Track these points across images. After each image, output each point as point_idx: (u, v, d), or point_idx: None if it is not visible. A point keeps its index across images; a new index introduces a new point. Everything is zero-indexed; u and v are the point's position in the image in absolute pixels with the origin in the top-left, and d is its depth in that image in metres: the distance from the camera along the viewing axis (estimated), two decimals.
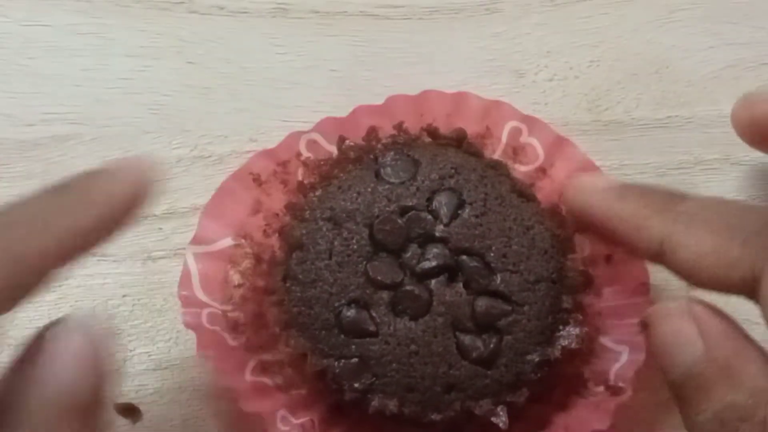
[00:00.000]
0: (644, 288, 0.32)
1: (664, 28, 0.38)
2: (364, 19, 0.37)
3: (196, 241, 0.32)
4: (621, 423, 0.32)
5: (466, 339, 0.30)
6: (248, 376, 0.31)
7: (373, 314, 0.30)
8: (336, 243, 0.30)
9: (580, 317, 0.31)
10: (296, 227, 0.31)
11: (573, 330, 0.31)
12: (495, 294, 0.30)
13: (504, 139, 0.34)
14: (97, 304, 0.34)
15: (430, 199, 0.31)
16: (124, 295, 0.34)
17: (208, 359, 0.31)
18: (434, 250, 0.30)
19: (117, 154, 0.36)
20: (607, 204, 0.26)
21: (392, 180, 0.31)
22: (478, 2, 0.38)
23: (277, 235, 0.32)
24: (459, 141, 0.32)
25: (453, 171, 0.31)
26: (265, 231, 0.33)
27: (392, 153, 0.32)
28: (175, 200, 0.35)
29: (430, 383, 0.29)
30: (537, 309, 0.30)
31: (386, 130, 0.33)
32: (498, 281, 0.30)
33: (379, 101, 0.34)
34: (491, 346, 0.30)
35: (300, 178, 0.33)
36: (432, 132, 0.33)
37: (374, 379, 0.30)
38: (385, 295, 0.30)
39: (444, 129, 0.33)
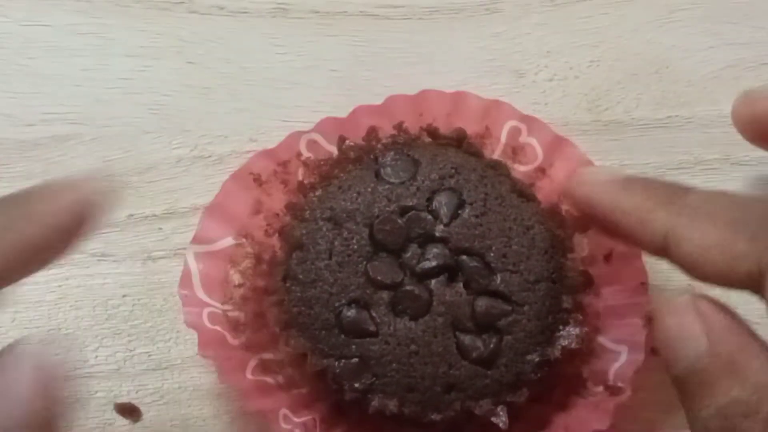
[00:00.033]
0: (643, 288, 0.32)
1: (664, 28, 0.38)
2: (364, 19, 0.37)
3: (196, 240, 0.32)
4: (621, 423, 0.32)
5: (466, 339, 0.30)
6: (249, 376, 0.31)
7: (373, 314, 0.30)
8: (336, 243, 0.30)
9: (580, 317, 0.31)
10: (296, 227, 0.31)
11: (573, 330, 0.31)
12: (495, 294, 0.30)
13: (503, 138, 0.34)
14: (97, 304, 0.34)
15: (430, 199, 0.31)
16: (124, 295, 0.34)
17: (209, 358, 0.31)
18: (434, 250, 0.30)
19: (117, 154, 0.36)
20: (610, 196, 0.26)
21: (392, 180, 0.31)
22: (478, 2, 0.38)
23: (277, 235, 0.32)
24: (459, 141, 0.33)
25: (453, 171, 0.31)
26: (266, 231, 0.33)
27: (392, 153, 0.32)
28: (175, 200, 0.35)
29: (430, 383, 0.29)
30: (537, 309, 0.30)
31: (386, 130, 0.33)
32: (498, 281, 0.30)
33: (379, 101, 0.34)
34: (491, 346, 0.30)
35: (300, 178, 0.33)
36: (432, 132, 0.33)
37: (374, 379, 0.30)
38: (385, 295, 0.30)
39: (443, 129, 0.33)
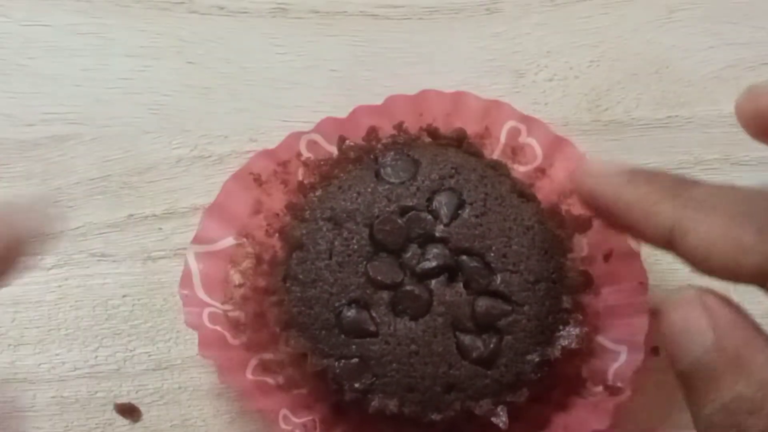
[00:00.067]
0: (642, 287, 0.32)
1: (664, 28, 0.38)
2: (364, 19, 0.37)
3: (197, 240, 0.32)
4: (621, 423, 0.32)
5: (466, 339, 0.30)
6: (249, 376, 0.31)
7: (374, 314, 0.30)
8: (336, 243, 0.30)
9: (580, 317, 0.31)
10: (296, 227, 0.31)
11: (573, 330, 0.31)
12: (495, 294, 0.30)
13: (503, 139, 0.34)
14: (97, 304, 0.34)
15: (430, 199, 0.31)
16: (124, 295, 0.34)
17: (209, 358, 0.31)
18: (434, 250, 0.30)
19: (117, 154, 0.36)
20: (615, 189, 0.26)
21: (392, 180, 0.31)
22: (478, 2, 0.38)
23: (277, 235, 0.32)
24: (459, 141, 0.33)
25: (453, 171, 0.31)
26: (266, 231, 0.33)
27: (392, 153, 0.32)
28: (175, 200, 0.35)
29: (430, 383, 0.29)
30: (537, 309, 0.30)
31: (386, 130, 0.33)
32: (498, 281, 0.30)
33: (379, 101, 0.34)
34: (491, 346, 0.30)
35: (300, 178, 0.33)
36: (432, 132, 0.33)
37: (374, 379, 0.30)
38: (385, 295, 0.30)
39: (443, 129, 0.33)
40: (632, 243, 0.32)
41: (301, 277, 0.30)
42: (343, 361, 0.30)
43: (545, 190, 0.33)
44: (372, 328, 0.30)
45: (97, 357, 0.34)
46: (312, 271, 0.30)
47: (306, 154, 0.33)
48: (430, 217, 0.30)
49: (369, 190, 0.31)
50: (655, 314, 0.24)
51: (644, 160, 0.36)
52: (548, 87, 0.37)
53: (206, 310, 0.32)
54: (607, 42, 0.37)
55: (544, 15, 0.38)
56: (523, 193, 0.32)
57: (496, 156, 0.34)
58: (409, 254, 0.30)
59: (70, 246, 0.35)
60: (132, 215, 0.35)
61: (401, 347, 0.30)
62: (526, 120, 0.34)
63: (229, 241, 0.33)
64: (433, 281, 0.30)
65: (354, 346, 0.30)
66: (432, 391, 0.30)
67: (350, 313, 0.30)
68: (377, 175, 0.31)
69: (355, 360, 0.30)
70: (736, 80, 0.37)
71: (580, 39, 0.37)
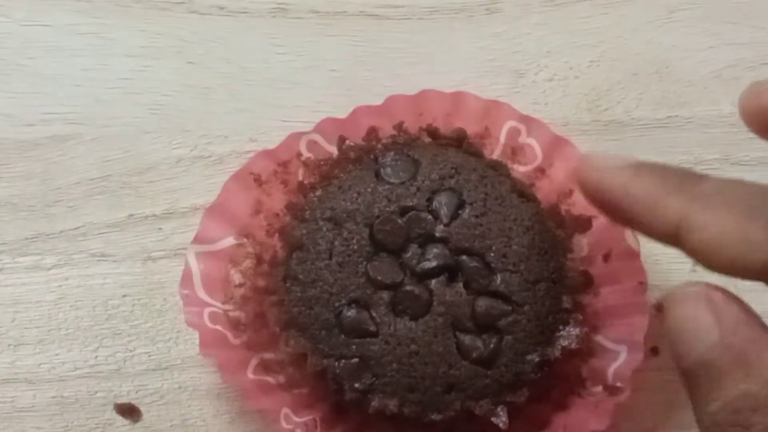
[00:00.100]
0: (642, 287, 0.32)
1: (664, 28, 0.38)
2: (364, 19, 0.37)
3: (197, 240, 0.32)
4: (621, 423, 0.32)
5: (466, 339, 0.30)
6: (250, 375, 0.31)
7: (374, 314, 0.30)
8: (336, 243, 0.30)
9: (580, 317, 0.31)
10: (296, 227, 0.31)
11: (573, 330, 0.31)
12: (495, 294, 0.30)
13: (502, 139, 0.34)
14: (97, 304, 0.34)
15: (430, 199, 0.31)
16: (124, 295, 0.34)
17: (210, 358, 0.31)
18: (434, 250, 0.30)
19: (117, 154, 0.36)
20: (621, 182, 0.25)
21: (392, 180, 0.31)
22: (478, 2, 0.37)
23: (277, 235, 0.32)
24: (459, 141, 0.33)
25: (453, 171, 0.31)
26: (267, 231, 0.33)
27: (392, 153, 0.32)
28: (175, 200, 0.35)
29: (430, 383, 0.29)
30: (537, 309, 0.30)
31: (386, 130, 0.33)
32: (498, 281, 0.30)
33: (379, 101, 0.34)
34: (491, 346, 0.30)
35: (300, 178, 0.33)
36: (432, 132, 0.33)
37: (374, 379, 0.30)
38: (385, 295, 0.30)
39: (443, 129, 0.33)
40: (632, 243, 0.32)
41: (301, 277, 0.30)
42: (343, 361, 0.30)
43: (545, 190, 0.33)
44: (372, 328, 0.30)
45: (97, 357, 0.34)
46: (312, 271, 0.30)
47: (306, 154, 0.33)
48: (430, 217, 0.30)
49: (369, 190, 0.31)
50: (659, 310, 0.23)
51: None
52: (548, 87, 0.37)
53: (207, 310, 0.32)
54: (607, 42, 0.37)
55: (544, 15, 0.38)
56: (523, 193, 0.32)
57: (495, 156, 0.34)
58: (409, 254, 0.30)
59: (70, 246, 0.35)
60: (132, 215, 0.35)
61: (401, 347, 0.30)
62: (526, 120, 0.34)
63: (229, 241, 0.33)
64: (433, 281, 0.30)
65: (354, 346, 0.30)
66: (432, 391, 0.30)
67: (350, 313, 0.30)
68: (377, 175, 0.31)
69: (355, 360, 0.30)
70: (736, 80, 0.37)
71: (580, 39, 0.37)
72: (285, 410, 0.30)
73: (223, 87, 0.36)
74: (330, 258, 0.30)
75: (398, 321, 0.30)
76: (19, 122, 0.36)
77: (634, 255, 0.32)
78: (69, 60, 0.36)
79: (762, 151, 0.36)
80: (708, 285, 0.22)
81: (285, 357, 0.31)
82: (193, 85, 0.36)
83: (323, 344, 0.30)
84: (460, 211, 0.31)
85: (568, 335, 0.31)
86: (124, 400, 0.33)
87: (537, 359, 0.30)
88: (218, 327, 0.31)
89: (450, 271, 0.30)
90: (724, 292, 0.22)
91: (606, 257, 0.33)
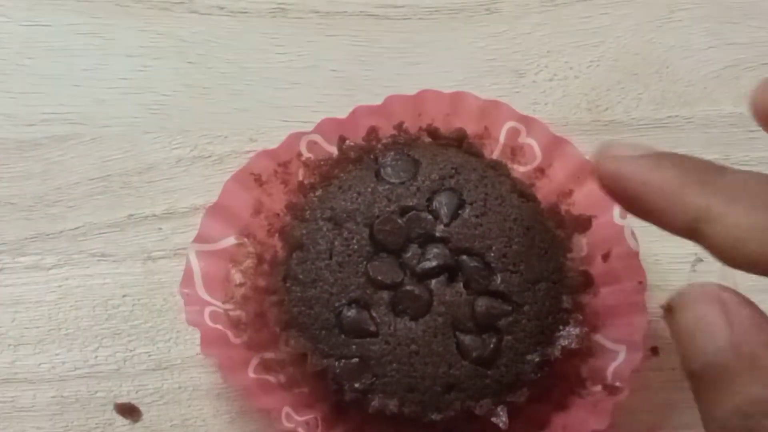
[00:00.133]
0: (641, 287, 0.32)
1: (664, 28, 0.38)
2: (364, 19, 0.37)
3: (198, 239, 0.32)
4: (621, 423, 0.32)
5: (466, 339, 0.30)
6: (251, 374, 0.31)
7: (374, 314, 0.30)
8: (336, 243, 0.30)
9: (580, 317, 0.31)
10: (297, 227, 0.31)
11: (573, 330, 0.31)
12: (495, 294, 0.30)
13: (502, 139, 0.34)
14: (97, 304, 0.34)
15: (430, 199, 0.31)
16: (124, 295, 0.34)
17: (211, 356, 0.31)
18: (434, 250, 0.30)
19: (117, 154, 0.36)
20: (640, 172, 0.24)
21: (392, 180, 0.31)
22: (478, 2, 0.38)
23: (277, 235, 0.32)
24: (459, 141, 0.33)
25: (453, 171, 0.31)
26: (268, 231, 0.33)
27: (392, 153, 0.32)
28: (175, 200, 0.35)
29: (430, 383, 0.29)
30: (537, 309, 0.30)
31: (386, 130, 0.33)
32: (498, 281, 0.30)
33: (379, 101, 0.34)
34: (491, 346, 0.30)
35: (300, 178, 0.33)
36: (432, 132, 0.33)
37: (374, 379, 0.30)
38: (385, 295, 0.30)
39: (442, 129, 0.33)
40: (631, 242, 0.32)
41: (301, 277, 0.30)
42: (343, 361, 0.30)
43: (545, 190, 0.33)
44: (372, 328, 0.30)
45: (97, 357, 0.34)
46: (312, 271, 0.30)
47: (306, 154, 0.33)
48: (430, 217, 0.30)
49: (369, 190, 0.31)
50: (668, 310, 0.23)
51: None
52: (548, 87, 0.37)
53: (207, 309, 0.32)
54: (607, 42, 0.37)
55: (544, 15, 0.38)
56: (523, 193, 0.32)
57: (495, 156, 0.34)
58: (409, 254, 0.30)
59: (70, 246, 0.35)
60: (132, 215, 0.35)
61: (401, 347, 0.30)
62: (525, 120, 0.34)
63: (230, 240, 0.33)
64: (433, 281, 0.30)
65: (354, 346, 0.30)
66: (432, 391, 0.30)
67: (350, 313, 0.30)
68: (377, 175, 0.31)
69: (355, 360, 0.30)
70: (736, 80, 0.37)
71: (580, 39, 0.37)
72: (286, 409, 0.30)
73: (223, 87, 0.36)
74: (330, 258, 0.30)
75: (398, 321, 0.30)
76: (19, 122, 0.36)
77: (633, 255, 0.32)
78: (69, 60, 0.36)
79: (762, 151, 0.36)
80: (720, 286, 0.22)
81: (285, 356, 0.31)
82: (193, 85, 0.36)
83: (323, 344, 0.30)
84: (460, 211, 0.31)
85: (568, 335, 0.31)
86: (124, 400, 0.33)
87: (537, 359, 0.30)
88: (219, 326, 0.31)
89: (450, 271, 0.30)
90: (736, 294, 0.22)
91: (605, 257, 0.33)
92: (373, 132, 0.33)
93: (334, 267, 0.30)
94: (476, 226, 0.30)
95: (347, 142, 0.33)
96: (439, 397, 0.29)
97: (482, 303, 0.30)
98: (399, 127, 0.33)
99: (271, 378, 0.31)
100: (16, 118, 0.36)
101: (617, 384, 0.31)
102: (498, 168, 0.32)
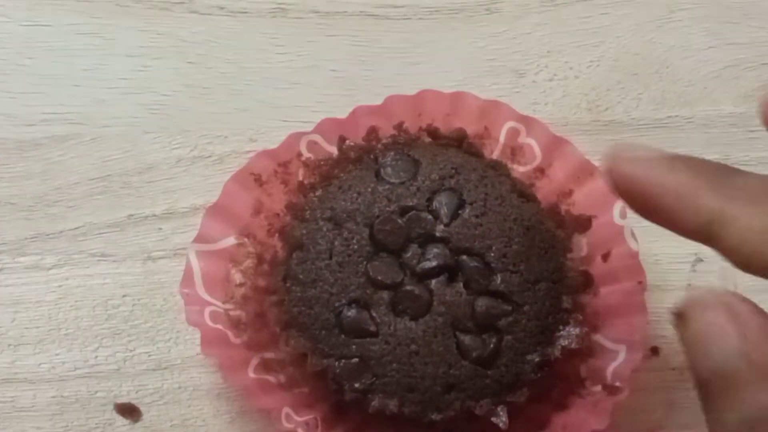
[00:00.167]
0: (641, 287, 0.32)
1: (664, 28, 0.38)
2: (364, 19, 0.37)
3: (198, 239, 0.32)
4: (621, 423, 0.32)
5: (466, 339, 0.30)
6: (251, 374, 0.31)
7: (374, 314, 0.30)
8: (336, 243, 0.30)
9: (580, 317, 0.31)
10: (297, 227, 0.31)
11: (573, 330, 0.31)
12: (495, 294, 0.30)
13: (502, 139, 0.34)
14: (97, 304, 0.34)
15: (430, 199, 0.31)
16: (124, 295, 0.34)
17: (212, 356, 0.31)
18: (434, 250, 0.30)
19: (117, 154, 0.36)
20: (654, 174, 0.24)
21: (392, 180, 0.31)
22: (478, 2, 0.38)
23: (277, 235, 0.32)
24: (459, 141, 0.33)
25: (453, 171, 0.31)
26: (268, 231, 0.33)
27: (392, 153, 0.32)
28: (175, 200, 0.35)
29: (430, 383, 0.29)
30: (537, 309, 0.30)
31: (385, 130, 0.33)
32: (498, 281, 0.30)
33: (379, 101, 0.34)
34: (491, 346, 0.30)
35: (300, 178, 0.33)
36: (432, 132, 0.33)
37: (374, 379, 0.30)
38: (385, 295, 0.30)
39: (442, 129, 0.33)
40: (631, 242, 0.32)
41: (301, 277, 0.30)
42: (343, 361, 0.30)
43: (544, 190, 0.33)
44: (372, 328, 0.30)
45: (97, 357, 0.34)
46: (312, 271, 0.30)
47: (306, 154, 0.33)
48: (430, 217, 0.30)
49: (369, 190, 0.31)
50: (679, 317, 0.22)
51: None
52: (548, 87, 0.37)
53: (207, 309, 0.32)
54: (607, 42, 0.37)
55: (544, 15, 0.38)
56: (523, 193, 0.32)
57: (495, 156, 0.34)
58: (409, 254, 0.30)
59: (70, 246, 0.35)
60: (132, 215, 0.35)
61: (401, 347, 0.30)
62: (525, 120, 0.34)
63: (230, 240, 0.33)
64: (433, 281, 0.30)
65: (354, 346, 0.30)
66: (432, 391, 0.30)
67: (350, 313, 0.30)
68: (377, 175, 0.31)
69: (355, 360, 0.30)
70: (736, 80, 0.37)
71: (580, 39, 0.37)
72: (286, 409, 0.30)
73: (223, 87, 0.36)
74: (330, 258, 0.30)
75: (398, 321, 0.30)
76: (19, 122, 0.36)
77: (633, 255, 0.32)
78: (69, 60, 0.36)
79: (762, 151, 0.36)
80: (732, 293, 0.22)
81: (285, 356, 0.31)
82: (193, 85, 0.36)
83: (323, 344, 0.30)
84: (460, 211, 0.31)
85: (568, 335, 0.31)
86: (124, 400, 0.33)
87: (537, 359, 0.30)
88: (219, 326, 0.31)
89: (450, 271, 0.30)
90: (747, 301, 0.21)
91: (605, 257, 0.33)
92: (373, 132, 0.33)
93: (334, 267, 0.30)
94: (476, 226, 0.30)
95: (347, 142, 0.33)
96: (439, 397, 0.29)
97: (482, 303, 0.30)
98: (399, 127, 0.33)
99: (271, 378, 0.31)
100: (16, 118, 0.36)
101: (617, 384, 0.31)
102: (498, 168, 0.32)
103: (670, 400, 0.34)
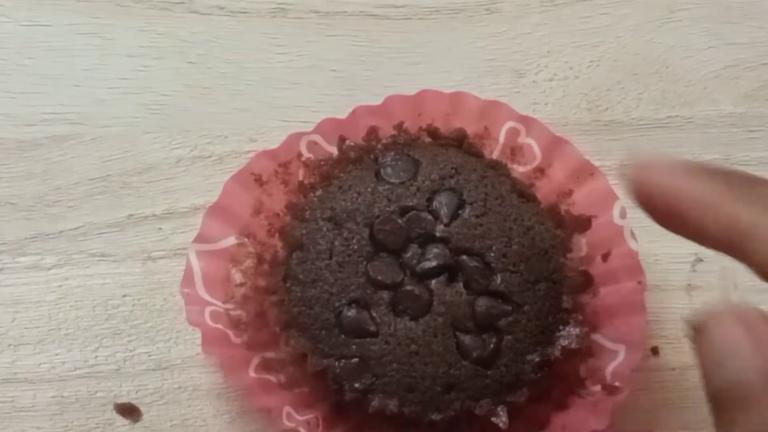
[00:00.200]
0: (641, 287, 0.32)
1: (664, 28, 0.38)
2: (364, 19, 0.37)
3: (199, 239, 0.32)
4: (621, 423, 0.32)
5: (466, 339, 0.30)
6: (252, 374, 0.31)
7: (374, 314, 0.30)
8: (336, 243, 0.30)
9: (580, 317, 0.31)
10: (297, 227, 0.31)
11: (573, 330, 0.31)
12: (495, 294, 0.30)
13: (502, 139, 0.34)
14: (97, 304, 0.34)
15: (430, 199, 0.31)
16: (124, 295, 0.34)
17: (213, 356, 0.31)
18: (434, 250, 0.30)
19: (117, 154, 0.36)
20: (676, 183, 0.23)
21: (392, 180, 0.31)
22: (478, 2, 0.38)
23: (277, 235, 0.32)
24: (459, 141, 0.33)
25: (453, 171, 0.31)
26: (268, 231, 0.33)
27: (392, 153, 0.32)
28: (175, 200, 0.35)
29: (430, 383, 0.29)
30: (537, 309, 0.30)
31: (385, 130, 0.33)
32: (498, 281, 0.30)
33: (379, 101, 0.34)
34: (491, 346, 0.30)
35: (301, 178, 0.33)
36: (432, 132, 0.33)
37: (374, 379, 0.30)
38: (385, 295, 0.30)
39: (442, 129, 0.33)
40: (630, 242, 0.32)
41: (301, 277, 0.30)
42: (343, 361, 0.30)
43: (544, 190, 0.33)
44: (372, 328, 0.30)
45: (97, 357, 0.34)
46: (312, 271, 0.30)
47: (306, 154, 0.33)
48: (430, 217, 0.30)
49: (369, 190, 0.31)
50: (697, 330, 0.22)
51: None
52: (548, 87, 0.37)
53: (208, 309, 0.32)
54: (607, 42, 0.37)
55: (544, 15, 0.38)
56: (523, 193, 0.32)
57: (495, 156, 0.34)
58: (409, 254, 0.30)
59: (70, 246, 0.35)
60: (132, 215, 0.35)
61: (401, 347, 0.30)
62: (525, 120, 0.34)
63: (230, 240, 0.33)
64: (433, 281, 0.30)
65: (354, 346, 0.30)
66: (432, 391, 0.30)
67: (350, 313, 0.30)
68: (377, 175, 0.31)
69: (355, 360, 0.30)
70: (736, 80, 0.37)
71: (580, 39, 0.37)
72: (287, 408, 0.30)
73: (223, 87, 0.36)
74: (330, 258, 0.30)
75: (398, 321, 0.30)
76: (19, 122, 0.36)
77: (632, 255, 0.32)
78: (69, 60, 0.36)
79: (762, 151, 0.36)
80: (748, 307, 0.21)
81: (286, 356, 0.31)
82: (193, 85, 0.36)
83: (323, 344, 0.30)
84: (460, 211, 0.31)
85: (568, 335, 0.31)
86: (124, 400, 0.33)
87: (537, 359, 0.30)
88: (219, 326, 0.31)
89: (450, 271, 0.30)
90: (764, 315, 0.21)
91: (605, 257, 0.33)
92: (373, 132, 0.33)
93: (334, 267, 0.30)
94: (476, 226, 0.30)
95: (347, 142, 0.33)
96: (439, 397, 0.29)
97: (482, 303, 0.30)
98: (399, 127, 0.33)
99: (272, 378, 0.31)
100: (16, 118, 0.36)
101: (617, 384, 0.31)
102: (498, 168, 0.32)
103: (670, 400, 0.34)
